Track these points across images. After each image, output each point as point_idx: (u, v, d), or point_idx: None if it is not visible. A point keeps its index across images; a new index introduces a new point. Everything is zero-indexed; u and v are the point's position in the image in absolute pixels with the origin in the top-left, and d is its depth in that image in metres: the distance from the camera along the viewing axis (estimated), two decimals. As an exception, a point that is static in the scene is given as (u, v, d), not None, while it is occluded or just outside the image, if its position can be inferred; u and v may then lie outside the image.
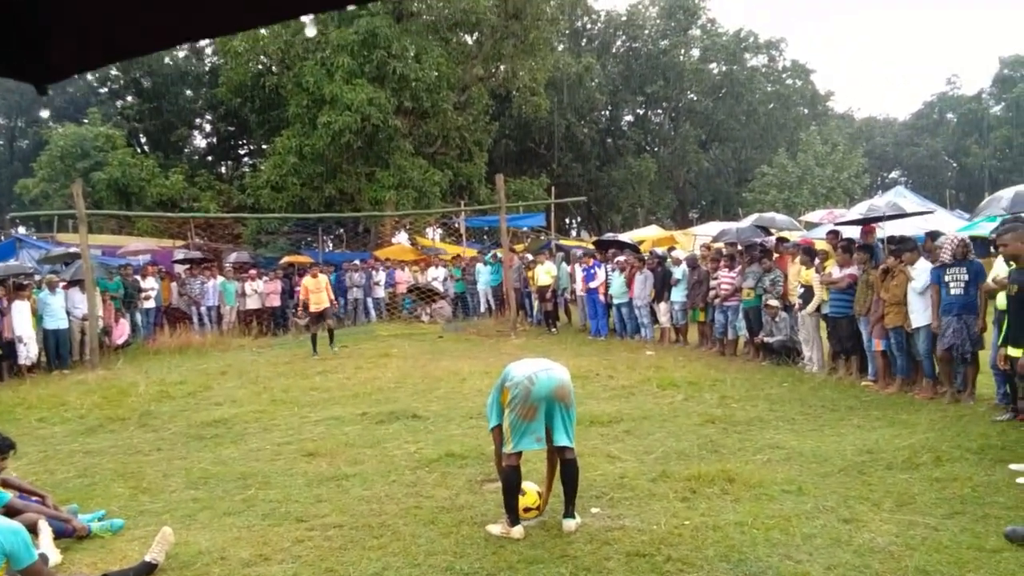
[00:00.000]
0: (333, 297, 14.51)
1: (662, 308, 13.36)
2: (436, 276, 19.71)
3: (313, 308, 13.56)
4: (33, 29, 1.32)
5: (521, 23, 26.23)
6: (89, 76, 35.93)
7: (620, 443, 6.71)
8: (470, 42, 27.95)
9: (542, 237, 23.42)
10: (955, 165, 56.01)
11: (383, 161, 23.54)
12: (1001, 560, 3.99)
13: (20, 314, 12.05)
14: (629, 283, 13.88)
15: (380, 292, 19.49)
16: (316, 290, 13.53)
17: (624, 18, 42.41)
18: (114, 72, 34.96)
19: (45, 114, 39.60)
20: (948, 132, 55.44)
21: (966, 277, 7.51)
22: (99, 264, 16.46)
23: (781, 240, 11.55)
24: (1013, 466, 5.50)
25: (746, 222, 15.61)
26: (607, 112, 43.08)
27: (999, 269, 6.77)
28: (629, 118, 45.69)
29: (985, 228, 12.01)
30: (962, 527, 4.46)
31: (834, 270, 9.56)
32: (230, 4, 1.28)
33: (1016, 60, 51.30)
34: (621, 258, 14.36)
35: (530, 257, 18.22)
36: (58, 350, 12.95)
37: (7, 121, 42.62)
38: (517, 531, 4.61)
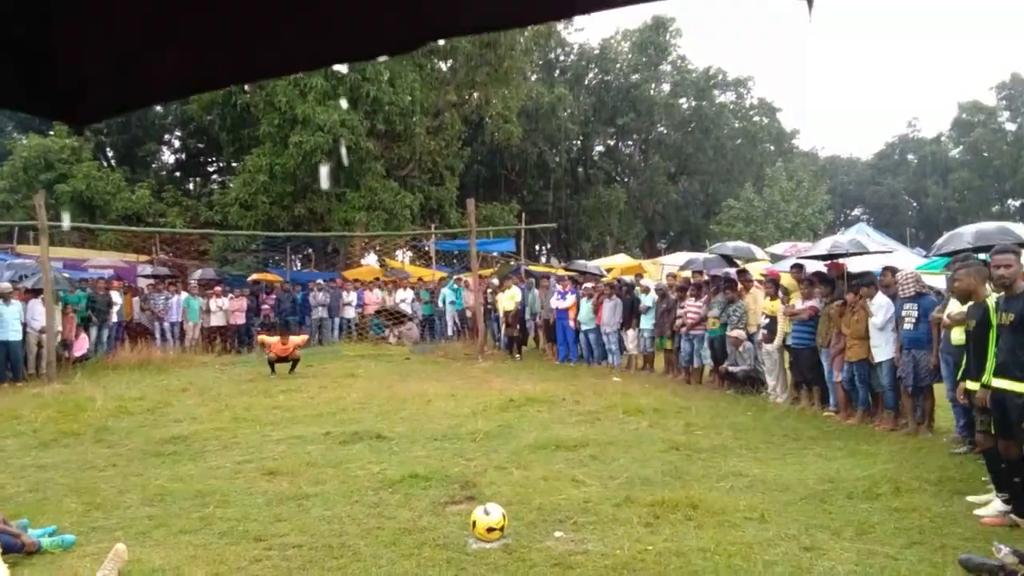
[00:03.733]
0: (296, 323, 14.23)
1: (630, 335, 13.44)
2: (404, 298, 19.63)
3: (275, 352, 13.32)
4: (71, 72, 1.34)
5: (495, 52, 26.52)
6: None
7: (585, 468, 6.70)
8: (444, 68, 28.16)
9: (512, 263, 23.49)
10: (915, 204, 57.59)
11: (354, 182, 23.49)
12: (957, 589, 4.05)
13: (-25, 325, 11.75)
14: (597, 309, 13.96)
15: (350, 312, 19.33)
16: (282, 351, 13.28)
17: (597, 51, 43.14)
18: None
19: (9, 125, 38.88)
20: (909, 172, 57.06)
21: (916, 313, 7.72)
22: (63, 277, 16.14)
23: (742, 272, 11.72)
24: (970, 498, 5.59)
25: (709, 252, 15.82)
26: (579, 142, 43.57)
27: (953, 306, 6.94)
28: (600, 148, 46.28)
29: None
30: (920, 557, 4.52)
31: (798, 302, 9.73)
32: (273, 48, 1.31)
33: (974, 106, 53.07)
34: (588, 285, 14.45)
35: (496, 282, 18.26)
36: (8, 362, 12.60)
37: (-30, 130, 41.78)
38: None
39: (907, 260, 13.64)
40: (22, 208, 23.74)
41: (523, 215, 23.23)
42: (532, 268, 22.66)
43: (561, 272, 18.96)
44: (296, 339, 13.90)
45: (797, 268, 10.65)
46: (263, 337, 14.29)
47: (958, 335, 6.79)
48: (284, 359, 13.32)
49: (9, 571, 4.41)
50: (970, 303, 5.86)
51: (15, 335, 12.63)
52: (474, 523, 4.86)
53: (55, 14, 1.21)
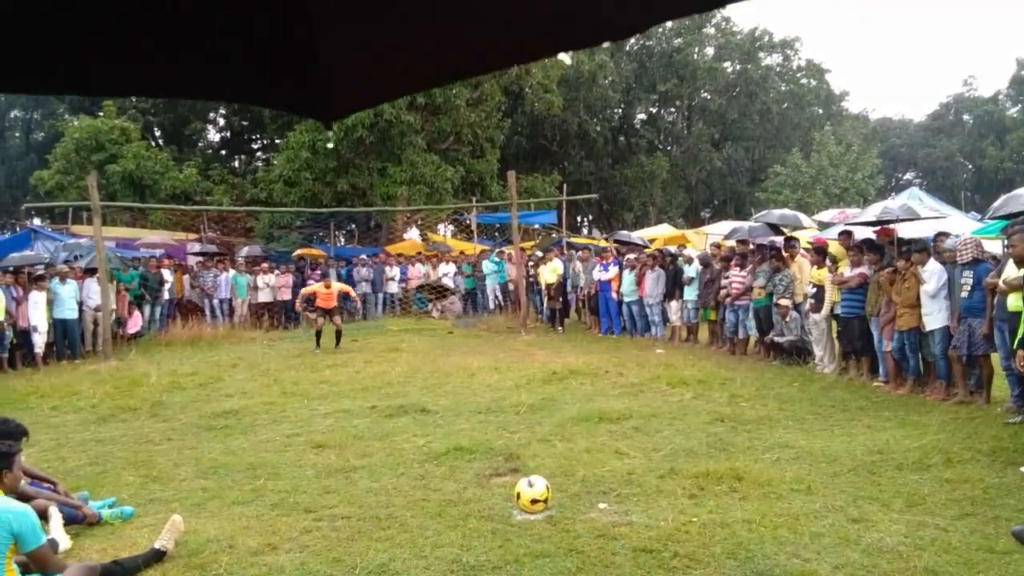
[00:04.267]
0: (341, 303, 14.45)
1: (673, 306, 13.32)
2: (447, 272, 19.73)
3: (320, 304, 13.60)
4: (321, 72, 1.43)
5: (535, 20, 26.22)
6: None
7: (628, 440, 6.70)
8: (484, 38, 27.95)
9: (553, 235, 23.41)
10: (971, 167, 55.59)
11: (395, 157, 23.58)
12: (1011, 562, 3.97)
13: (35, 304, 12.18)
14: (639, 281, 13.85)
15: (394, 287, 19.52)
16: (326, 297, 13.53)
17: (638, 16, 42.23)
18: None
19: (61, 107, 39.87)
20: (964, 134, 55.01)
21: (972, 280, 7.48)
22: (116, 256, 16.60)
23: (790, 240, 11.48)
24: (1024, 468, 5.46)
25: (755, 221, 15.52)
26: (620, 110, 42.95)
27: (1010, 271, 6.71)
28: (642, 116, 45.57)
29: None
30: (972, 528, 4.43)
31: (846, 270, 9.52)
32: (494, 45, 1.38)
33: (1034, 62, 50.81)
34: (631, 256, 14.33)
35: (538, 254, 18.21)
36: (67, 339, 13.05)
37: (23, 113, 42.93)
38: None
39: (961, 225, 13.19)
40: (75, 189, 24.41)
41: (564, 186, 23.07)
42: (574, 239, 22.57)
43: (602, 244, 18.83)
44: (340, 285, 14.10)
45: (846, 235, 10.40)
46: (305, 290, 14.54)
47: (1014, 301, 6.59)
48: (328, 312, 13.51)
49: (72, 541, 4.61)
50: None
51: (71, 313, 13.06)
52: (518, 495, 4.90)
53: (315, 17, 1.27)
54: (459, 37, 1.35)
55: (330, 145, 22.62)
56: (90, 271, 13.90)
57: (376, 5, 1.28)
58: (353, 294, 15.93)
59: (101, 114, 27.69)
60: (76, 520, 4.83)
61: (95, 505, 5.07)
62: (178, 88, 1.49)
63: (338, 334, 13.60)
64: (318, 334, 13.58)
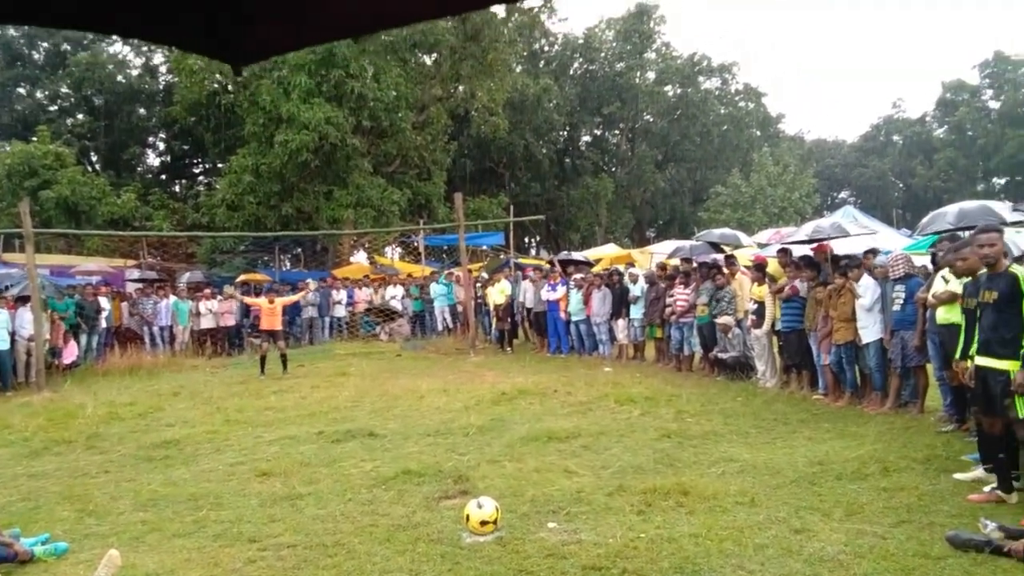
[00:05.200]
0: (285, 323, 14.28)
1: (620, 325, 13.48)
2: (394, 295, 19.61)
3: (263, 327, 13.41)
4: (238, 11, 1.37)
5: (479, 44, 26.48)
6: (38, 94, 35.23)
7: (577, 458, 6.73)
8: (429, 63, 28.10)
9: (501, 256, 23.50)
10: (901, 185, 57.85)
11: (341, 180, 23.42)
12: (946, 567, 4.10)
13: (-38, 335, 11.68)
14: (586, 300, 14.00)
15: (341, 311, 19.32)
16: (269, 314, 13.36)
17: (581, 41, 43.07)
18: (64, 90, 34.32)
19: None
20: (895, 154, 57.27)
21: (904, 294, 7.78)
22: (50, 284, 16.06)
23: (730, 258, 11.79)
24: (957, 475, 5.66)
25: (696, 240, 15.89)
26: (565, 132, 43.56)
27: (938, 285, 7.00)
28: (587, 138, 46.29)
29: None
30: (908, 535, 4.57)
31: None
32: None
33: (958, 85, 53.38)
34: (578, 276, 14.48)
35: (485, 276, 18.27)
36: (-1, 371, 12.56)
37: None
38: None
39: (892, 241, 13.72)
40: (7, 216, 23.61)
41: (511, 208, 23.21)
42: (522, 260, 22.68)
43: (546, 264, 18.98)
44: (283, 299, 13.91)
45: (783, 253, 10.70)
46: (247, 300, 14.26)
47: (944, 314, 6.86)
48: (273, 336, 13.29)
49: (2, 581, 4.42)
50: (965, 280, 5.93)
51: (3, 344, 12.55)
52: (468, 517, 4.88)
53: None
54: None
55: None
56: (23, 300, 13.41)
57: None
58: (299, 298, 15.73)
59: (35, 139, 26.92)
60: (7, 559, 4.62)
61: (27, 542, 4.85)
62: (70, 16, 1.40)
63: (284, 359, 13.37)
64: (263, 360, 13.34)
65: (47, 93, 35.01)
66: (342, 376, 12.78)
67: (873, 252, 8.94)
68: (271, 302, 13.48)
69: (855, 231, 11.63)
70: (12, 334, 12.85)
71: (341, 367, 13.83)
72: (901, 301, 7.80)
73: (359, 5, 1.43)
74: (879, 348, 8.23)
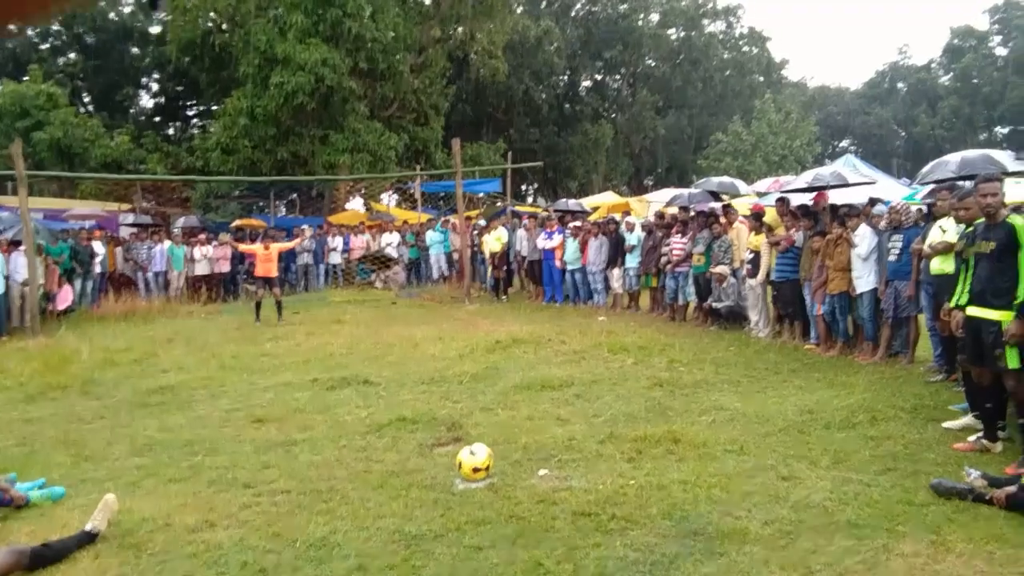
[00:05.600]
0: (282, 273, 14.21)
1: (615, 274, 13.47)
2: (390, 242, 19.54)
3: (259, 273, 13.39)
4: None
5: (480, -17, 25.85)
6: (30, 31, 34.46)
7: (570, 406, 6.79)
8: (427, 2, 27.44)
9: (498, 203, 23.33)
10: (903, 134, 57.23)
11: (337, 124, 23.10)
12: (928, 513, 4.17)
13: (-44, 279, 11.65)
14: (583, 249, 13.96)
15: (336, 258, 19.27)
16: (265, 260, 13.30)
17: (583, -20, 42.08)
18: (56, 27, 33.53)
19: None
20: (898, 101, 56.53)
21: (900, 245, 7.76)
22: (44, 228, 15.95)
23: (728, 207, 11.70)
24: (947, 424, 5.73)
25: (695, 188, 15.74)
26: (565, 77, 42.85)
27: (934, 235, 6.97)
28: (587, 83, 45.56)
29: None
30: (893, 483, 4.64)
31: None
32: None
33: (966, 31, 52.39)
34: (575, 224, 14.41)
35: (483, 223, 18.17)
36: (-7, 315, 12.55)
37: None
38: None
39: (892, 190, 13.62)
40: (-2, 157, 23.34)
41: (509, 154, 22.89)
42: (519, 208, 22.55)
43: (543, 212, 18.86)
44: (279, 244, 13.89)
45: (781, 202, 10.63)
46: (242, 247, 14.25)
47: (938, 264, 6.84)
48: (268, 282, 13.30)
49: (-2, 524, 4.48)
50: (962, 228, 5.90)
51: (-3, 288, 12.54)
52: (460, 464, 4.94)
53: None
54: None
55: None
56: (15, 244, 13.33)
57: None
58: (295, 245, 15.67)
59: (26, 78, 26.43)
60: (3, 503, 4.67)
61: (23, 487, 4.90)
62: None
63: (279, 306, 13.36)
64: (258, 306, 13.34)
65: (38, 30, 34.22)
66: (337, 323, 12.80)
67: (872, 203, 8.87)
68: (267, 248, 13.42)
69: (855, 180, 11.52)
70: (6, 279, 12.81)
71: (336, 314, 13.84)
72: (897, 251, 7.78)
73: None
74: (873, 298, 8.24)
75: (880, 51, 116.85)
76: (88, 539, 4.13)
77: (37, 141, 23.98)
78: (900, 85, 57.99)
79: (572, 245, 14.16)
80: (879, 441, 5.45)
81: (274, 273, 13.45)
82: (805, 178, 11.08)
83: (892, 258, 7.86)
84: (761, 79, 47.47)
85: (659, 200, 18.43)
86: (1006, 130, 51.98)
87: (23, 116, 24.96)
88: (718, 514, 4.26)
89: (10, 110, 25.01)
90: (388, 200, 27.91)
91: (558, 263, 14.65)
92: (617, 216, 15.10)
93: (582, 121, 40.67)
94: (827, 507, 4.30)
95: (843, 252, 8.52)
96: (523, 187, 42.79)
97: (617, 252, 13.34)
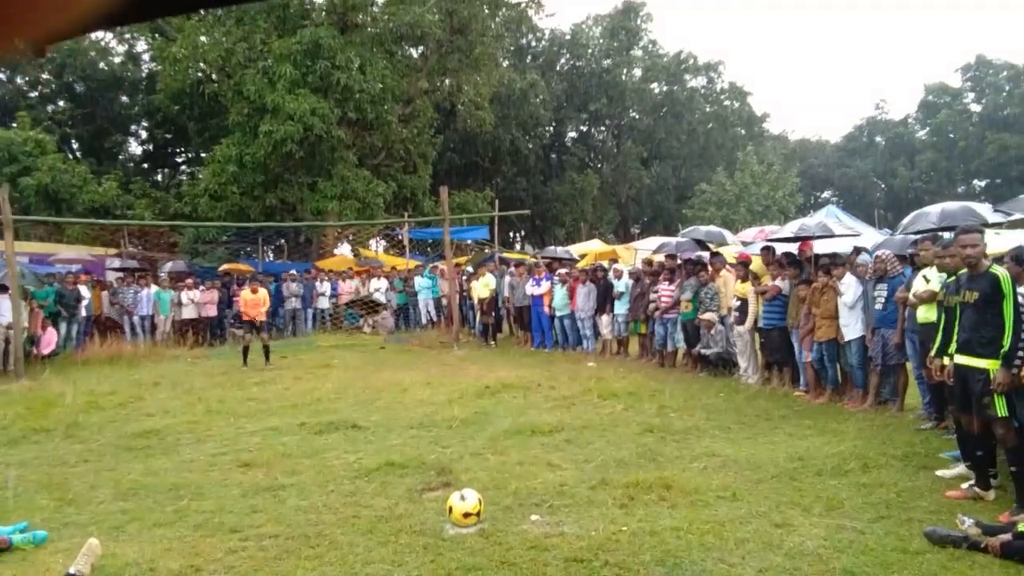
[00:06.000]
0: (268, 314, 14.05)
1: (604, 320, 13.52)
2: (378, 287, 19.55)
3: (246, 317, 13.33)
4: None
5: (466, 38, 26.38)
6: (19, 79, 34.72)
7: (560, 452, 6.76)
8: (415, 55, 27.94)
9: (486, 250, 23.46)
10: (883, 186, 58.35)
11: (326, 172, 23.28)
12: (924, 561, 4.16)
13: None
14: (571, 295, 14.02)
15: (324, 303, 19.23)
16: (253, 304, 13.25)
17: (568, 37, 43.08)
18: (45, 76, 33.78)
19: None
20: (877, 155, 57.74)
21: (886, 293, 7.87)
22: (30, 272, 15.84)
23: (715, 255, 11.85)
24: (940, 472, 5.73)
25: (682, 236, 15.92)
26: (551, 128, 43.56)
27: (918, 284, 7.08)
28: (573, 134, 46.33)
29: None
30: (887, 530, 4.63)
31: (768, 283, 9.87)
32: None
33: (940, 88, 53.90)
34: (563, 271, 14.50)
35: (470, 269, 18.25)
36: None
37: (-72, 122, 40.75)
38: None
39: (874, 241, 13.84)
40: (-15, 202, 23.25)
41: (496, 202, 23.13)
42: (507, 255, 22.67)
43: (531, 259, 18.98)
44: (265, 291, 13.88)
45: (767, 251, 10.77)
46: (242, 293, 14.22)
47: (924, 313, 6.93)
48: (256, 328, 13.20)
49: (-21, 569, 4.37)
50: (944, 278, 5.99)
51: (-20, 332, 12.41)
52: (450, 509, 4.88)
53: None
54: None
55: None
56: (1, 288, 13.23)
57: None
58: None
59: (15, 125, 26.54)
60: (-17, 547, 4.58)
61: (5, 530, 4.80)
62: None
63: (266, 350, 13.27)
64: (245, 350, 13.25)
65: (28, 79, 34.45)
66: (325, 368, 12.73)
67: (857, 251, 9.01)
68: (254, 291, 13.38)
69: (839, 231, 11.72)
70: (-10, 322, 12.70)
71: (324, 359, 13.77)
72: (883, 300, 7.89)
73: None
74: (861, 346, 8.30)
75: (858, 106, 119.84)
76: (71, 585, 4.03)
77: (24, 186, 23.95)
78: (878, 139, 59.30)
79: (560, 291, 14.23)
80: (871, 488, 5.44)
81: (261, 317, 13.39)
82: (791, 228, 11.26)
83: (878, 306, 7.96)
84: (743, 132, 48.47)
85: (646, 248, 18.62)
86: (983, 183, 53.12)
87: (11, 162, 24.97)
88: (711, 561, 4.23)
89: (-2, 156, 25.04)
90: (376, 246, 28.00)
91: (547, 309, 14.69)
92: (604, 263, 15.22)
93: (568, 170, 41.23)
94: (821, 554, 4.28)
95: (830, 300, 8.61)
96: (511, 234, 43.10)
97: (605, 299, 13.40)
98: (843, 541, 4.46)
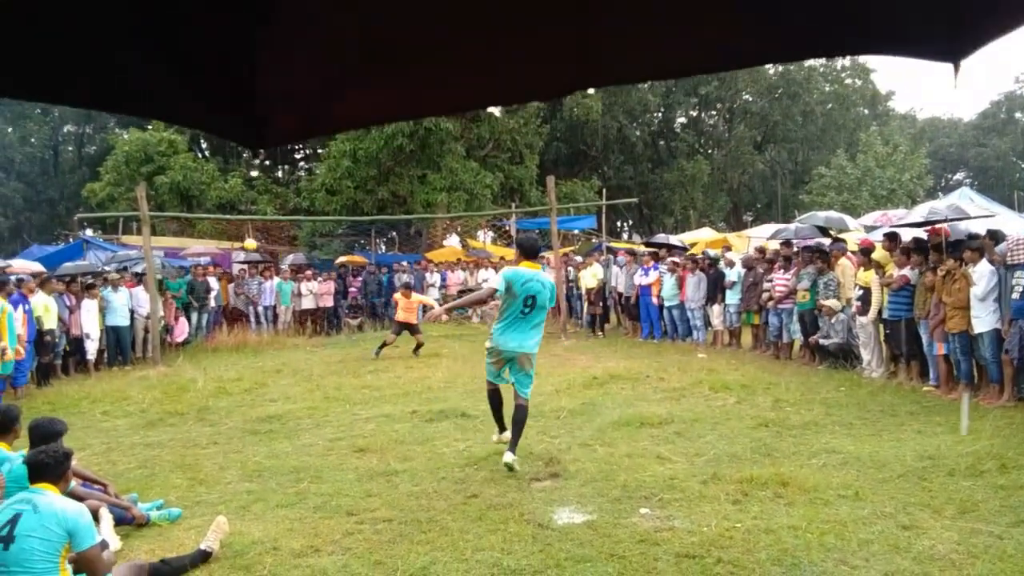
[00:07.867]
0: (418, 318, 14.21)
1: (715, 311, 13.17)
2: (486, 278, 19.76)
3: (399, 319, 13.61)
4: (265, 102, 1.46)
5: (574, 25, 26.23)
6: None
7: (670, 444, 6.63)
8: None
9: (593, 240, 23.29)
10: (1023, 166, 53.96)
11: (435, 164, 23.74)
12: (1070, 571, 3.82)
13: (88, 312, 12.52)
14: (680, 285, 13.72)
15: (434, 293, 19.64)
16: (407, 308, 13.55)
17: (678, 18, 42.01)
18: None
19: (111, 122, 41.00)
20: (1017, 132, 53.42)
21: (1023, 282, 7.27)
22: (166, 264, 17.01)
23: (836, 241, 11.25)
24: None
25: (800, 222, 15.21)
26: (660, 114, 42.69)
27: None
28: (682, 120, 45.22)
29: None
30: (1028, 536, 4.29)
31: (894, 272, 9.30)
32: (442, 90, 1.42)
33: (1090, 56, 49.19)
34: (672, 260, 14.20)
35: (578, 259, 18.15)
36: (119, 346, 13.40)
37: (76, 128, 44.26)
38: (505, 435, 6.27)
39: (1013, 225, 12.81)
40: (125, 200, 25.10)
41: (604, 191, 22.94)
42: (614, 244, 22.45)
43: (640, 248, 18.68)
44: (420, 296, 14.19)
45: (890, 239, 10.13)
46: (396, 296, 14.59)
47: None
48: (410, 329, 13.52)
49: (122, 542, 4.72)
50: None
51: (123, 321, 13.43)
52: None
53: (258, 54, 1.30)
54: (398, 85, 1.37)
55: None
56: (140, 279, 14.26)
57: (319, 45, 1.30)
58: (430, 302, 15.54)
59: (150, 127, 28.45)
60: (126, 521, 4.94)
61: (144, 507, 5.18)
62: (115, 102, 1.51)
63: (419, 346, 13.58)
64: (383, 345, 13.45)
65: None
66: (435, 357, 13.00)
67: (992, 235, 8.34)
68: (407, 297, 13.68)
69: (974, 213, 10.90)
70: (132, 312, 13.70)
71: (434, 349, 14.06)
72: (1021, 289, 7.29)
73: (365, 105, 1.47)
74: (994, 338, 7.72)
75: (995, 80, 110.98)
76: (202, 558, 4.30)
77: (159, 185, 25.67)
78: (1018, 115, 54.84)
79: (669, 281, 13.95)
80: (1010, 491, 5.05)
81: (414, 320, 13.63)
82: (920, 212, 10.56)
83: (1016, 296, 7.36)
84: (866, 111, 45.89)
85: (759, 236, 17.99)
86: None
87: (147, 162, 26.81)
88: (832, 563, 4.05)
89: (136, 156, 26.92)
90: (484, 237, 28.34)
91: (655, 299, 14.44)
92: (712, 252, 14.79)
93: (677, 157, 40.32)
94: (954, 560, 4.02)
95: (961, 289, 8.03)
96: (618, 224, 42.64)
97: (716, 288, 13.04)
98: (978, 546, 4.16)
